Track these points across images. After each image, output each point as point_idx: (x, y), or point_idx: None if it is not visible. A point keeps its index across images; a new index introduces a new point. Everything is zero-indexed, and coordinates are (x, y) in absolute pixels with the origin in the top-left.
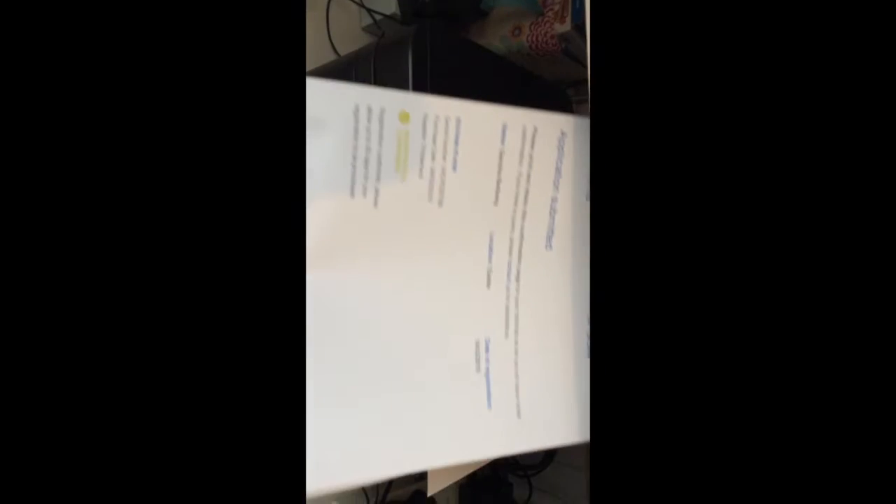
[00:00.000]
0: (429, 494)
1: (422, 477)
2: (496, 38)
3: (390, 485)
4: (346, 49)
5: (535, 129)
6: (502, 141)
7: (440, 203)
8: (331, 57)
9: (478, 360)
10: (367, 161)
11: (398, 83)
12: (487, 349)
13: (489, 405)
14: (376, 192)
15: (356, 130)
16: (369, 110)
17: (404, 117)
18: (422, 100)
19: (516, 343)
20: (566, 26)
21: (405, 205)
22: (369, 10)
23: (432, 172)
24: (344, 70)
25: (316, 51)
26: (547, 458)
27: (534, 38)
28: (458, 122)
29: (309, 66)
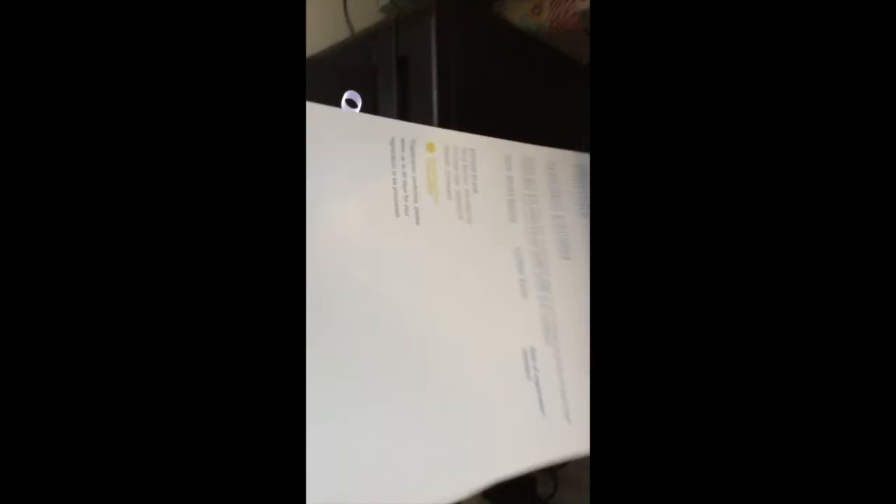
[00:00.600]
0: None
1: None
2: (516, 16)
3: None
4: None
5: (532, 159)
6: (509, 168)
7: (469, 220)
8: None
9: (527, 368)
10: (405, 185)
11: (421, 59)
12: (534, 356)
13: (542, 411)
14: (416, 211)
15: (393, 158)
16: (402, 141)
17: (431, 147)
18: (444, 133)
19: (557, 349)
20: (587, 3)
21: (441, 222)
22: None
23: (458, 194)
24: (362, 48)
25: (332, 31)
26: None
27: (555, 17)
28: (473, 152)
29: (325, 46)
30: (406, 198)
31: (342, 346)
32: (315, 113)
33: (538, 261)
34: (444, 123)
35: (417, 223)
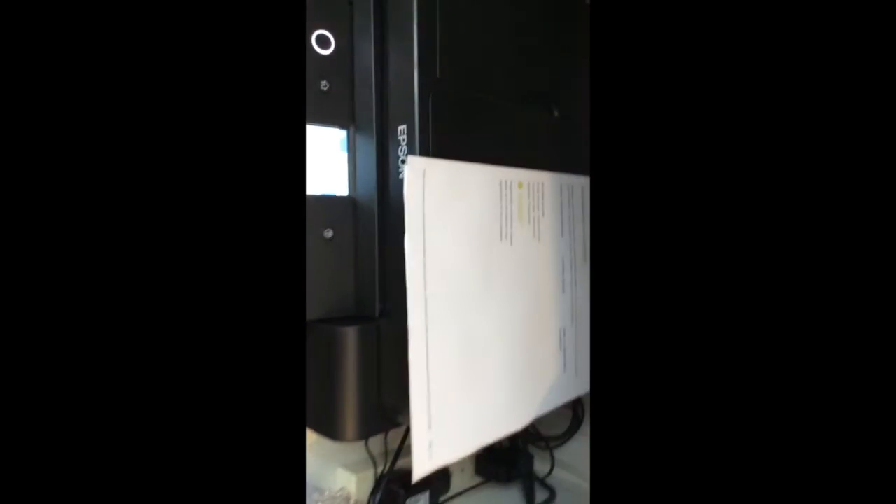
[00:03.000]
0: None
1: None
2: None
3: (398, 453)
4: None
5: (573, 186)
6: (561, 195)
7: (539, 239)
8: None
9: (561, 342)
10: (506, 215)
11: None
12: (565, 334)
13: (565, 369)
14: (511, 235)
15: (501, 196)
16: (503, 183)
17: (521, 185)
18: (526, 173)
19: (576, 328)
20: None
21: (525, 242)
22: None
23: (533, 219)
24: None
25: None
26: (572, 427)
27: None
28: (542, 185)
29: None
30: (506, 225)
31: (459, 335)
32: (452, 168)
33: (573, 264)
34: (425, 66)
35: (511, 244)
